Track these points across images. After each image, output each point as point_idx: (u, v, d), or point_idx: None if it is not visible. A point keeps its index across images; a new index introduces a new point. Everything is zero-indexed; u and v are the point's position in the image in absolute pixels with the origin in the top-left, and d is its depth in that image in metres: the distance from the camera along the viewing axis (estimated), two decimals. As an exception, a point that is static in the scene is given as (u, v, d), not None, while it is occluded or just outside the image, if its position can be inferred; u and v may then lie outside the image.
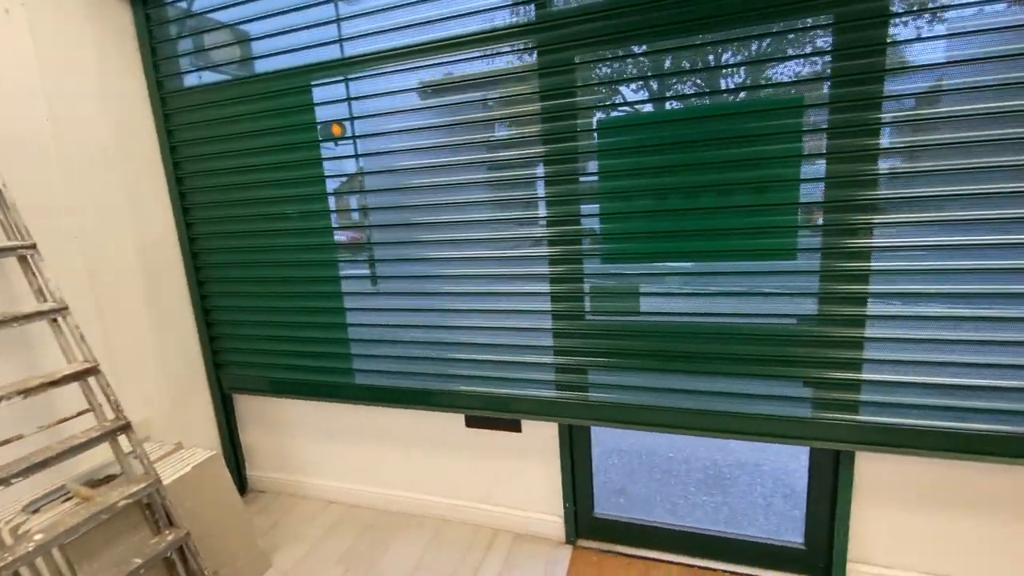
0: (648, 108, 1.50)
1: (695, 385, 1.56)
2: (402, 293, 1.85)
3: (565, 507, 1.86)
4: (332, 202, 1.88)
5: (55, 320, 1.48)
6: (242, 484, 2.36)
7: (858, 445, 1.43)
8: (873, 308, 1.36)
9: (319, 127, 1.82)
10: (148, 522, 1.57)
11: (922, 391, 1.36)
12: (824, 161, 1.35)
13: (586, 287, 1.63)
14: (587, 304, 1.64)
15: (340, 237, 1.90)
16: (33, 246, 1.48)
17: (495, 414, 1.81)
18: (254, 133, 1.90)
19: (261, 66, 1.86)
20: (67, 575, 1.35)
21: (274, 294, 2.03)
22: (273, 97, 1.85)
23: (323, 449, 2.23)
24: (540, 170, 1.60)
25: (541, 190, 1.62)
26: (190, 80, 1.98)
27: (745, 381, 1.51)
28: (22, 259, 1.49)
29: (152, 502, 1.56)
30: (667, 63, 1.44)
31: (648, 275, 1.57)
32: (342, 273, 1.92)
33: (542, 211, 1.62)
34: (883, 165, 1.32)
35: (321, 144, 1.83)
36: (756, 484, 2.20)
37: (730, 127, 1.40)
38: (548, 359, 1.71)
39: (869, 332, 1.37)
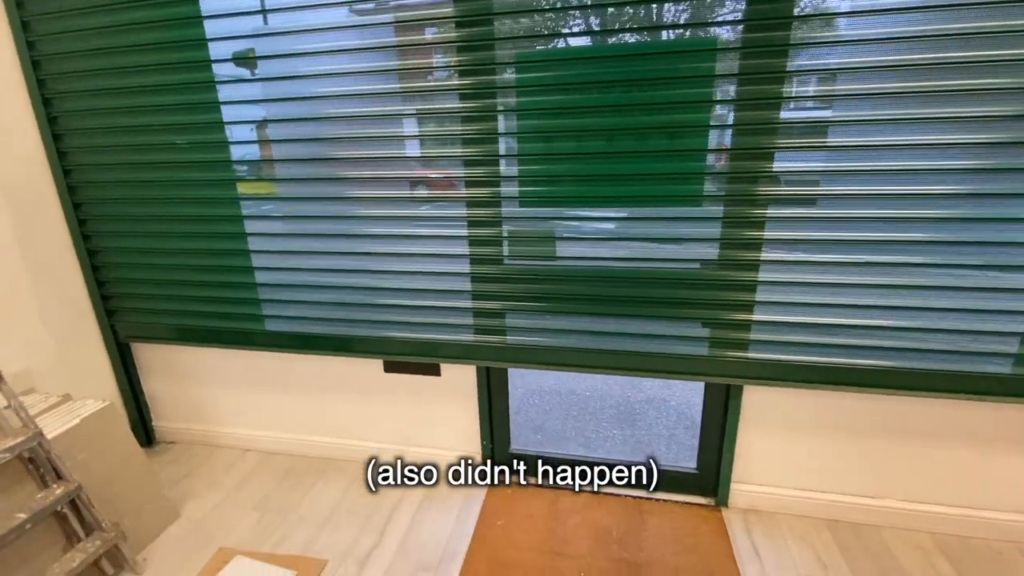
0: (569, 43, 1.45)
1: (607, 327, 1.62)
2: (315, 235, 1.75)
3: (483, 444, 1.93)
4: (232, 132, 1.71)
5: None
6: (148, 435, 2.24)
7: (746, 379, 1.57)
8: (766, 254, 1.45)
9: (214, 44, 1.62)
10: (33, 477, 1.46)
11: (802, 330, 1.49)
12: (733, 107, 1.38)
13: (504, 231, 1.61)
14: (505, 248, 1.63)
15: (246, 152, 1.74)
16: None
17: (414, 359, 1.80)
18: (131, 48, 1.66)
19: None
20: (-67, 536, 1.25)
21: (171, 234, 1.85)
22: (152, 7, 1.61)
23: (236, 397, 2.14)
24: (458, 104, 1.53)
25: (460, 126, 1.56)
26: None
27: (652, 322, 1.59)
28: None
29: (35, 456, 1.45)
30: (587, -3, 1.39)
31: (564, 219, 1.58)
32: (246, 212, 1.78)
33: (460, 150, 1.56)
34: (785, 115, 1.37)
35: (217, 65, 1.64)
36: (662, 417, 2.38)
37: (649, 68, 1.39)
38: (467, 303, 1.70)
39: (762, 276, 1.47)
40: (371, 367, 1.94)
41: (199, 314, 1.94)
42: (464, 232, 1.63)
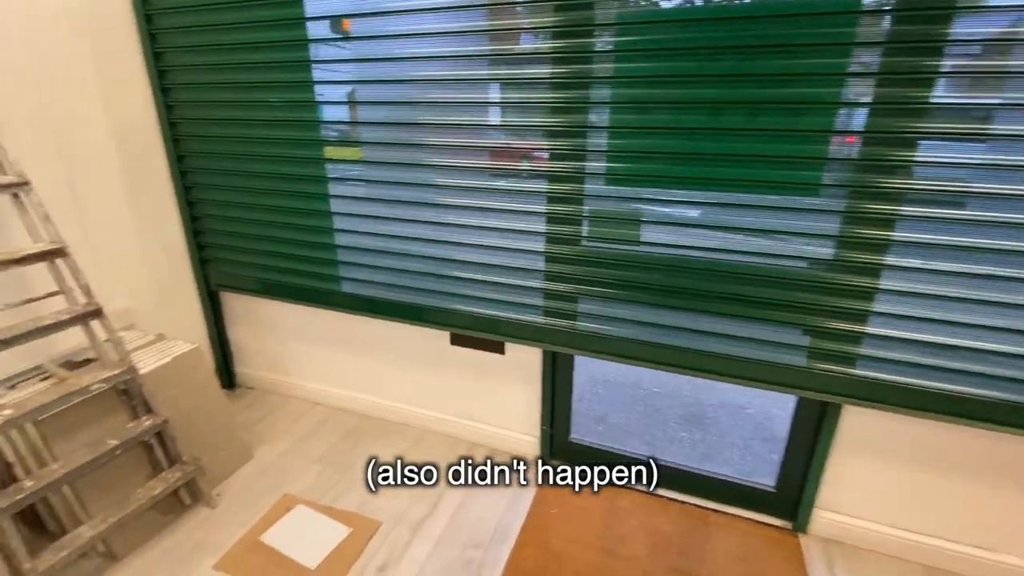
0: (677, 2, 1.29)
1: (688, 323, 1.48)
2: (394, 201, 1.73)
3: (542, 429, 1.87)
4: (322, 93, 1.71)
5: (16, 195, 1.40)
6: (230, 379, 2.39)
7: (848, 399, 1.38)
8: (892, 258, 1.24)
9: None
10: (126, 408, 1.59)
11: (923, 350, 1.28)
12: (873, 82, 1.17)
13: (585, 210, 1.50)
14: (584, 228, 1.52)
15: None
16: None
17: (480, 335, 1.76)
18: (232, 4, 1.70)
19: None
20: (42, 451, 1.38)
21: (260, 191, 1.91)
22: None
23: (311, 352, 2.23)
24: (548, 70, 1.42)
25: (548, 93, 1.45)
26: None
27: (742, 323, 1.43)
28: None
29: (130, 388, 1.57)
30: (708, -52, 1.22)
31: (653, 200, 1.44)
32: (330, 174, 1.79)
33: (545, 119, 1.46)
34: (938, 95, 1.14)
35: (311, 24, 1.63)
36: (737, 426, 2.20)
37: (770, 32, 1.20)
38: (538, 283, 1.62)
39: (883, 283, 1.26)
40: (439, 338, 1.92)
41: (282, 270, 2.01)
42: (542, 208, 1.54)
